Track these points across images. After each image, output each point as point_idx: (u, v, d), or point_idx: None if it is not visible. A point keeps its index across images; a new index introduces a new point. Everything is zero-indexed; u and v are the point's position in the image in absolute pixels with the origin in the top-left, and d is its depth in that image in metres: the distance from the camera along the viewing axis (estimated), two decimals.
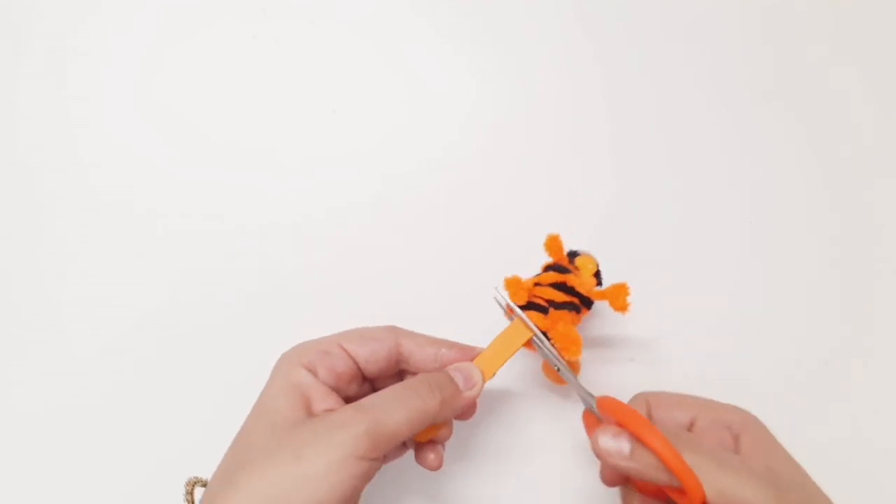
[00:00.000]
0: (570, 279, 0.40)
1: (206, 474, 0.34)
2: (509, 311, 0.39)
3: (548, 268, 0.42)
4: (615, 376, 0.43)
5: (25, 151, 0.49)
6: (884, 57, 0.52)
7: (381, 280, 0.47)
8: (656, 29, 0.52)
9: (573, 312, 0.40)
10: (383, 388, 0.34)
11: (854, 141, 0.50)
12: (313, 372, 0.34)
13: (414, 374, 0.37)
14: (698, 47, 0.52)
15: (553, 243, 0.41)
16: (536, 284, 0.40)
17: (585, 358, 0.44)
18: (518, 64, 0.51)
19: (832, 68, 0.52)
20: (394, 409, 0.31)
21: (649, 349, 0.44)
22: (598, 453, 0.31)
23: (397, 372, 0.37)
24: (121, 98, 0.50)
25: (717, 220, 0.48)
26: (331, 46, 0.51)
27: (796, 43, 0.52)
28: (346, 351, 0.35)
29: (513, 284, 0.39)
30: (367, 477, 0.31)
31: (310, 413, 0.32)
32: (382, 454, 0.31)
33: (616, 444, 0.31)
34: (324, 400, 0.33)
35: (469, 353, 0.37)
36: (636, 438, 0.30)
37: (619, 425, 0.32)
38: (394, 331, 0.36)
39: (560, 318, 0.39)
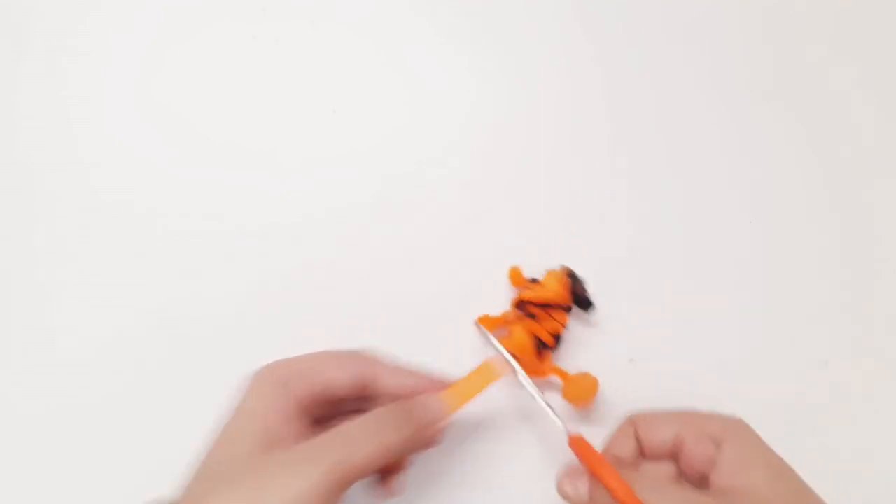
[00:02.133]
0: (535, 327, 0.42)
1: None
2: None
3: (518, 305, 0.43)
4: (615, 377, 0.43)
5: (25, 151, 0.49)
6: (884, 57, 0.52)
7: (381, 280, 0.47)
8: (656, 29, 0.52)
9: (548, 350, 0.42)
10: (352, 409, 0.36)
11: (854, 141, 0.50)
12: (286, 392, 0.34)
13: (381, 398, 0.37)
14: (698, 47, 0.52)
15: (514, 275, 0.44)
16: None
17: (586, 358, 0.44)
18: (518, 64, 0.51)
19: (832, 68, 0.52)
20: (360, 444, 0.31)
21: (649, 349, 0.44)
22: (562, 496, 0.33)
23: (367, 396, 0.37)
24: (121, 98, 0.50)
25: (717, 220, 0.48)
26: (331, 46, 0.51)
27: (796, 43, 0.52)
28: (317, 372, 0.35)
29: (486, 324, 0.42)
30: None
31: (279, 438, 0.32)
32: (347, 489, 0.31)
33: (574, 490, 0.33)
34: (294, 422, 0.33)
35: (438, 385, 0.37)
36: (598, 480, 0.32)
37: (585, 466, 0.34)
38: (365, 356, 0.37)
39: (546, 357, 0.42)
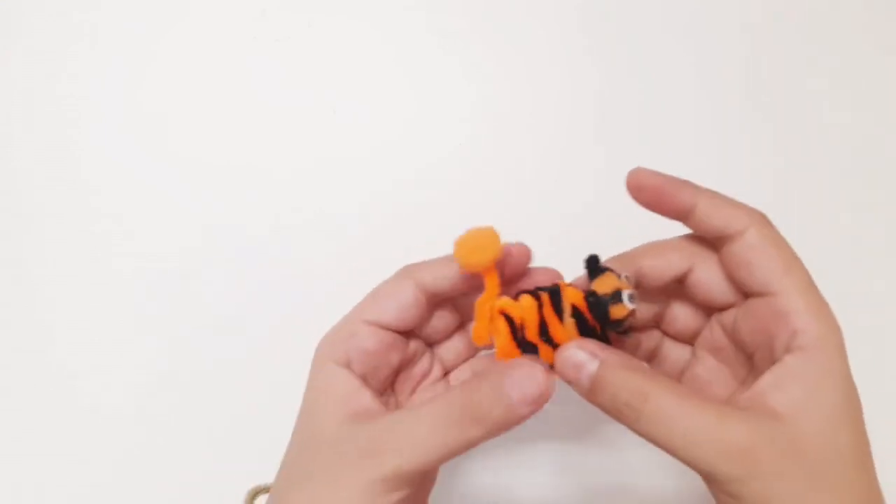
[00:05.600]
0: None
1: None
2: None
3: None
4: None
5: (18, 159, 0.49)
6: (885, 57, 0.52)
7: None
8: (657, 30, 0.52)
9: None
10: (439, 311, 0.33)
11: (854, 141, 0.50)
12: (347, 362, 0.32)
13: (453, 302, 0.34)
14: (698, 47, 0.52)
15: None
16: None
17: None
18: (519, 64, 0.51)
19: (832, 68, 0.52)
20: (423, 446, 0.28)
21: None
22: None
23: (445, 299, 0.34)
24: (117, 99, 0.50)
25: None
26: (331, 47, 0.51)
27: (796, 42, 0.52)
28: (371, 324, 0.32)
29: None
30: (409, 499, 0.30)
31: (347, 415, 0.31)
32: (415, 485, 0.29)
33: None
34: (358, 395, 0.31)
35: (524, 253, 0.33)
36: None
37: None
38: (407, 273, 0.33)
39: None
